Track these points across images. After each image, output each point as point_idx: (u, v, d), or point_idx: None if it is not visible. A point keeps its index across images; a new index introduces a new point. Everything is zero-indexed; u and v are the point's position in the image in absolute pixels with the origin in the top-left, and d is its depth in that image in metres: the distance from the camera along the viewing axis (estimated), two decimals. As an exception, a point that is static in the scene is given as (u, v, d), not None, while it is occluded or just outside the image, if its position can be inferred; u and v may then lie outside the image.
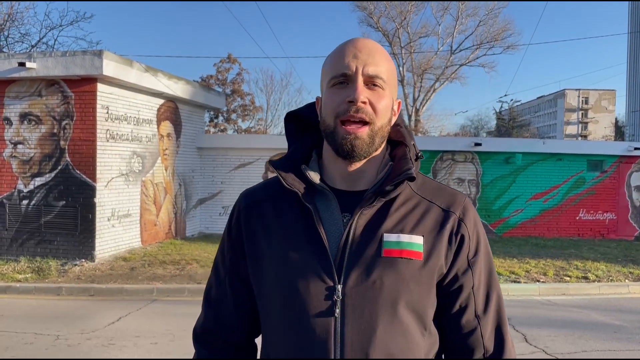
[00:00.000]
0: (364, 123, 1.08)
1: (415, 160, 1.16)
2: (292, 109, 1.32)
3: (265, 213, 1.17)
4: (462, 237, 1.12)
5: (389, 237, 1.07)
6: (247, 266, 1.18)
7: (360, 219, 1.09)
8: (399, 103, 1.20)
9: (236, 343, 1.24)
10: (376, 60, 1.09)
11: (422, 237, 1.09)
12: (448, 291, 1.13)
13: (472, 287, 1.13)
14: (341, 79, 1.09)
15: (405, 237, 1.08)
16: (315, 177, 1.14)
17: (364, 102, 1.07)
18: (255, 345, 1.28)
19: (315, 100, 1.22)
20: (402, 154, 1.16)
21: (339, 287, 1.05)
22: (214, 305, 1.25)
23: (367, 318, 1.04)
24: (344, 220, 1.10)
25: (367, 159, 1.13)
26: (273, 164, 1.17)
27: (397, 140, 1.21)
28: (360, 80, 1.07)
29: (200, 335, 1.26)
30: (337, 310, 1.04)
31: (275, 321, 1.12)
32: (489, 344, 1.14)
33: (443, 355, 1.18)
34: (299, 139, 1.25)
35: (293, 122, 1.27)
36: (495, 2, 34.83)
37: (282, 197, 1.15)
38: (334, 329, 1.04)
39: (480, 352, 1.13)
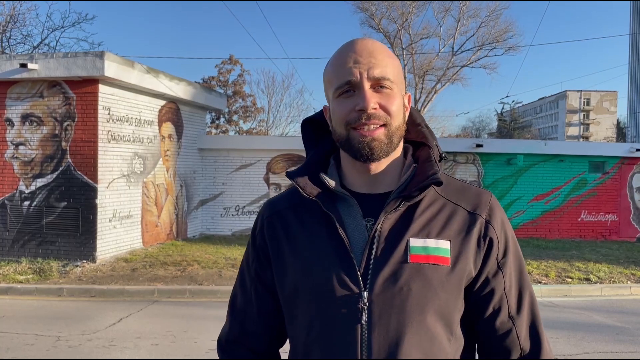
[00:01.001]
0: (380, 125, 1.06)
1: (439, 161, 1.14)
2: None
3: (289, 222, 1.15)
4: (491, 240, 1.10)
5: (415, 242, 1.05)
6: (272, 275, 1.17)
7: (385, 224, 1.07)
8: (409, 96, 1.17)
9: (261, 352, 1.22)
10: (379, 60, 1.06)
11: (449, 242, 1.07)
12: (480, 295, 1.11)
13: (504, 288, 1.11)
14: (346, 88, 1.06)
15: (431, 242, 1.06)
16: (333, 183, 1.12)
17: (375, 108, 1.05)
18: (279, 355, 1.27)
19: (324, 107, 1.21)
20: (426, 156, 1.14)
21: (365, 293, 1.03)
22: (240, 315, 1.23)
23: (394, 325, 1.02)
24: (368, 225, 1.08)
25: (388, 162, 1.12)
26: (289, 174, 1.15)
27: (419, 141, 1.19)
28: (366, 85, 1.04)
29: (225, 345, 1.25)
30: (364, 318, 1.02)
31: (301, 329, 1.10)
32: (525, 344, 1.12)
33: (477, 356, 1.18)
34: (316, 144, 1.23)
35: (309, 128, 1.25)
36: (497, 2, 34.87)
37: (305, 205, 1.14)
38: (360, 336, 1.02)
39: (517, 352, 1.11)
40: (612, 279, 8.80)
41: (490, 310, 1.11)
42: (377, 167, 1.11)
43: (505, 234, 1.13)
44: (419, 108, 34.86)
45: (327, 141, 1.22)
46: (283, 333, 1.21)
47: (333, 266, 1.06)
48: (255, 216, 1.25)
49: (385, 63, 1.06)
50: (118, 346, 5.38)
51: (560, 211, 13.84)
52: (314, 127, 1.24)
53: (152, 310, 6.96)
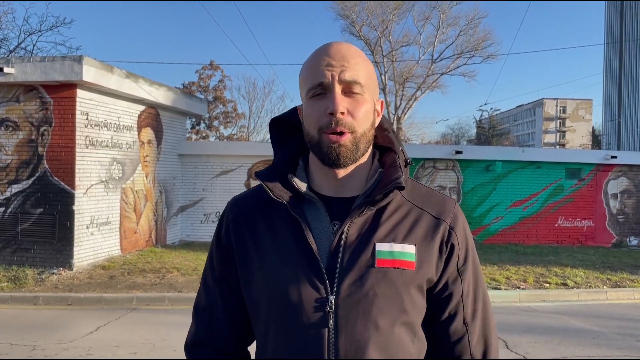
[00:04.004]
0: (346, 132, 1.07)
1: (405, 166, 1.15)
2: (275, 115, 1.30)
3: (255, 224, 1.15)
4: (452, 246, 1.13)
5: (382, 247, 1.07)
6: (237, 277, 1.17)
7: (351, 228, 1.08)
8: (382, 102, 1.18)
9: (229, 352, 1.22)
10: (351, 65, 1.07)
11: (414, 247, 1.09)
12: (438, 299, 1.14)
13: (462, 295, 1.14)
14: (318, 90, 1.07)
15: (397, 247, 1.07)
16: (302, 186, 1.13)
17: (343, 113, 1.05)
18: (248, 353, 1.26)
19: (297, 107, 1.21)
20: (391, 161, 1.16)
21: (332, 298, 1.04)
22: (205, 316, 1.22)
23: (360, 329, 1.04)
24: (334, 229, 1.09)
25: (355, 166, 1.12)
26: (258, 175, 1.15)
27: (386, 146, 1.20)
28: (337, 89, 1.05)
29: (191, 347, 1.24)
30: (331, 322, 1.04)
31: (268, 333, 1.10)
32: (476, 350, 1.16)
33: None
34: (284, 145, 1.23)
35: (278, 128, 1.25)
36: (477, 9, 35.38)
37: (271, 207, 1.14)
38: (327, 340, 1.04)
39: (467, 357, 1.15)
40: (589, 284, 8.95)
41: (446, 314, 1.14)
42: (345, 172, 1.12)
43: (467, 241, 1.16)
44: (399, 115, 35.13)
45: (296, 141, 1.22)
46: (250, 332, 1.21)
47: (300, 270, 1.06)
48: None
49: (357, 67, 1.08)
50: (95, 355, 5.29)
51: (538, 217, 14.04)
52: (283, 127, 1.24)
53: (131, 318, 6.86)
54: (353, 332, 1.03)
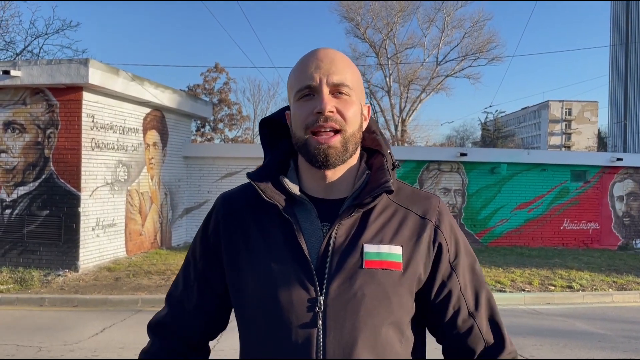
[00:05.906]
0: (335, 132, 1.09)
1: (392, 169, 1.18)
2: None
3: (245, 222, 1.17)
4: (440, 244, 1.15)
5: (369, 248, 1.09)
6: (217, 275, 1.19)
7: (340, 230, 1.10)
8: (369, 107, 1.21)
9: (189, 341, 1.25)
10: (339, 68, 1.10)
11: (401, 247, 1.10)
12: (439, 299, 1.15)
13: (460, 288, 1.16)
14: (306, 92, 1.09)
15: (385, 248, 1.09)
16: (294, 187, 1.14)
17: (332, 112, 1.08)
18: (208, 349, 1.30)
19: (286, 112, 1.22)
20: (379, 164, 1.18)
21: (321, 298, 1.06)
22: (176, 304, 1.25)
23: (348, 329, 1.05)
24: (324, 230, 1.11)
25: (344, 169, 1.14)
26: (250, 176, 1.17)
27: (373, 148, 1.22)
28: (325, 90, 1.08)
29: (153, 326, 1.28)
30: (320, 322, 1.05)
31: (256, 332, 1.11)
32: (488, 337, 1.16)
33: (443, 356, 1.21)
34: (275, 146, 1.25)
35: (268, 129, 1.27)
36: (481, 14, 35.36)
37: (262, 207, 1.15)
38: (315, 340, 1.05)
39: (481, 346, 1.16)
40: (594, 287, 8.91)
41: (451, 311, 1.15)
42: (334, 174, 1.14)
43: (455, 236, 1.18)
44: (404, 117, 35.11)
45: (286, 143, 1.23)
46: (216, 328, 1.26)
47: (291, 271, 1.08)
48: None
49: (345, 71, 1.11)
50: (101, 356, 5.31)
51: (543, 219, 13.99)
52: (273, 128, 1.26)
53: (136, 320, 6.89)
54: (341, 333, 1.05)
